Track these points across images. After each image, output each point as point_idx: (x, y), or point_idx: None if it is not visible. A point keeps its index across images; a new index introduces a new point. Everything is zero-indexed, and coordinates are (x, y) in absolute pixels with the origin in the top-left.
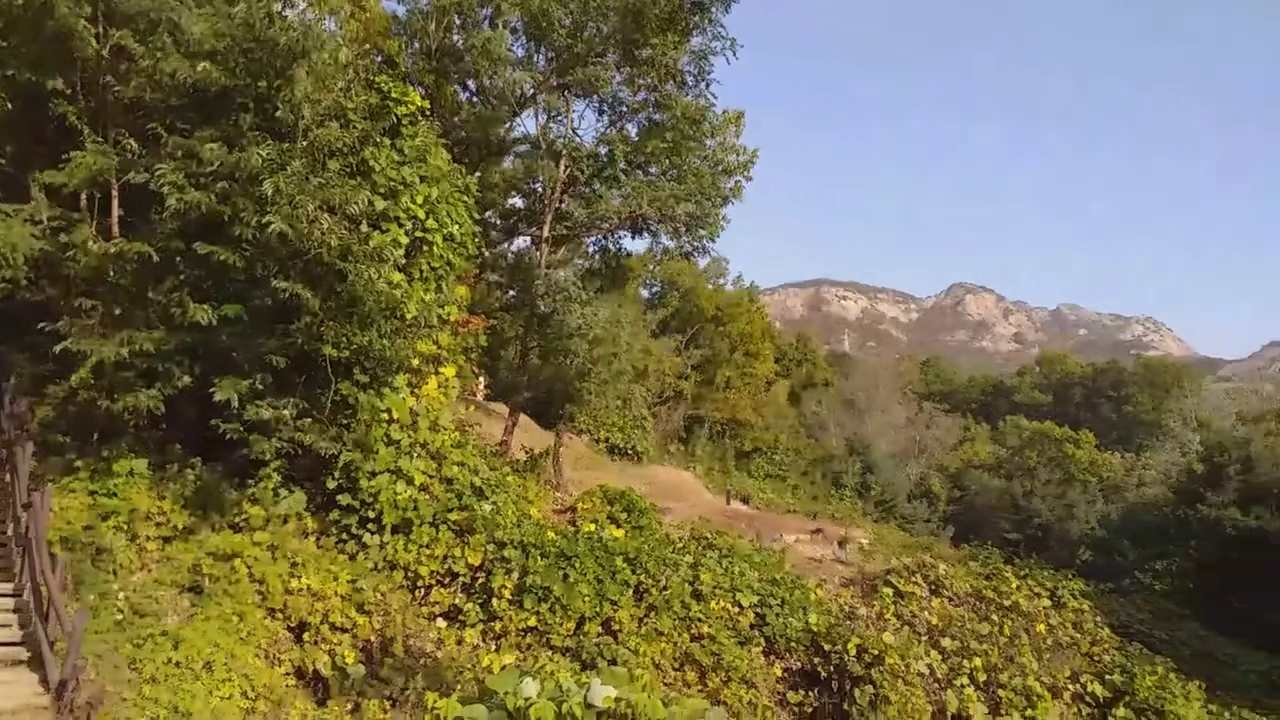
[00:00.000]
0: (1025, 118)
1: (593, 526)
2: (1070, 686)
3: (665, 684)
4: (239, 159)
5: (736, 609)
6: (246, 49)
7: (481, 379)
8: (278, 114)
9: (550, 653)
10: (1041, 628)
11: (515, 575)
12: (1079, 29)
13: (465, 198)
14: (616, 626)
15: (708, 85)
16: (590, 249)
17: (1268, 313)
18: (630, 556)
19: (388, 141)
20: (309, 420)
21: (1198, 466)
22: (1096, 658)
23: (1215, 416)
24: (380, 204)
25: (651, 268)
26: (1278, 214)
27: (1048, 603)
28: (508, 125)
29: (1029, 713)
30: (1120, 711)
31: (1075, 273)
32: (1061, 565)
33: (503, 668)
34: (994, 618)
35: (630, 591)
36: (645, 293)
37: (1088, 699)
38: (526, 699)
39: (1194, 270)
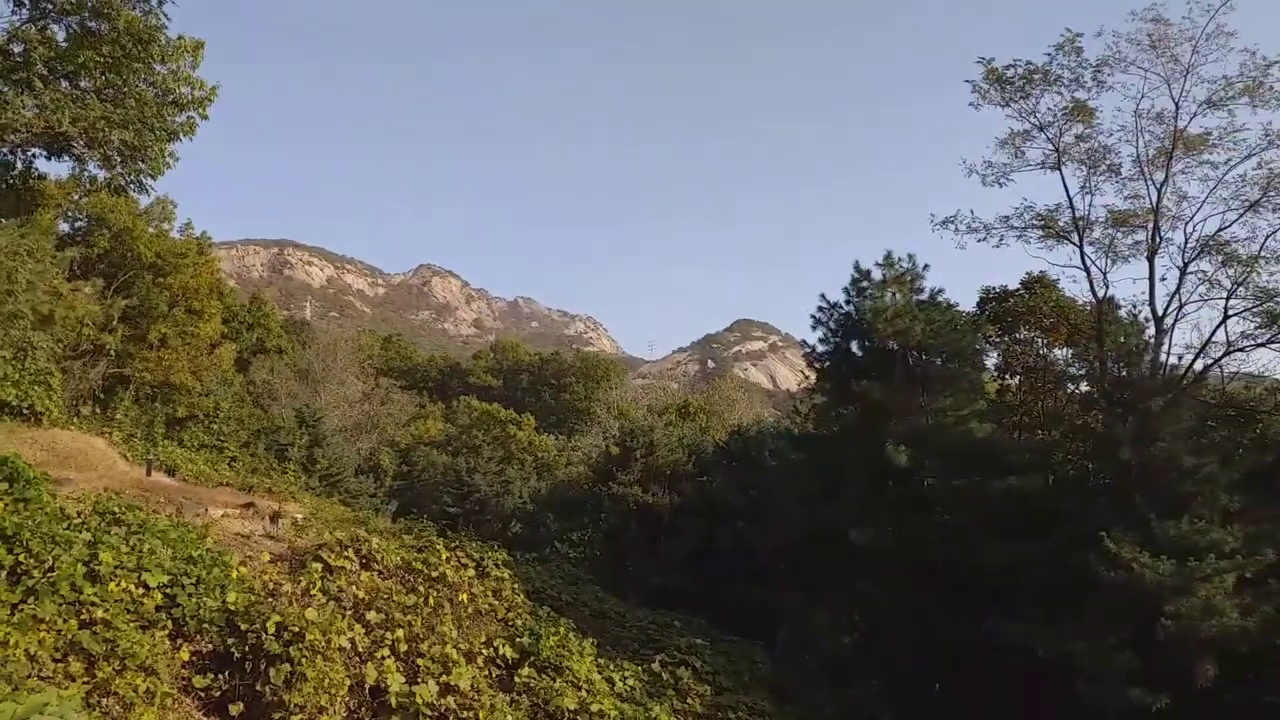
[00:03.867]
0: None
1: None
2: (484, 651)
3: (42, 678)
4: None
5: (142, 590)
6: None
7: None
8: None
9: None
10: (464, 597)
11: None
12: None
13: None
14: None
15: (161, 3)
16: None
17: (679, 322)
18: (8, 534)
19: None
20: None
21: (614, 449)
22: (511, 622)
23: (633, 407)
24: None
25: (76, 198)
26: (685, 238)
27: (473, 573)
28: None
29: (444, 678)
30: (525, 670)
31: (532, 268)
32: (494, 537)
33: None
34: (421, 589)
35: (3, 574)
36: (65, 226)
37: (499, 661)
38: None
39: (627, 278)
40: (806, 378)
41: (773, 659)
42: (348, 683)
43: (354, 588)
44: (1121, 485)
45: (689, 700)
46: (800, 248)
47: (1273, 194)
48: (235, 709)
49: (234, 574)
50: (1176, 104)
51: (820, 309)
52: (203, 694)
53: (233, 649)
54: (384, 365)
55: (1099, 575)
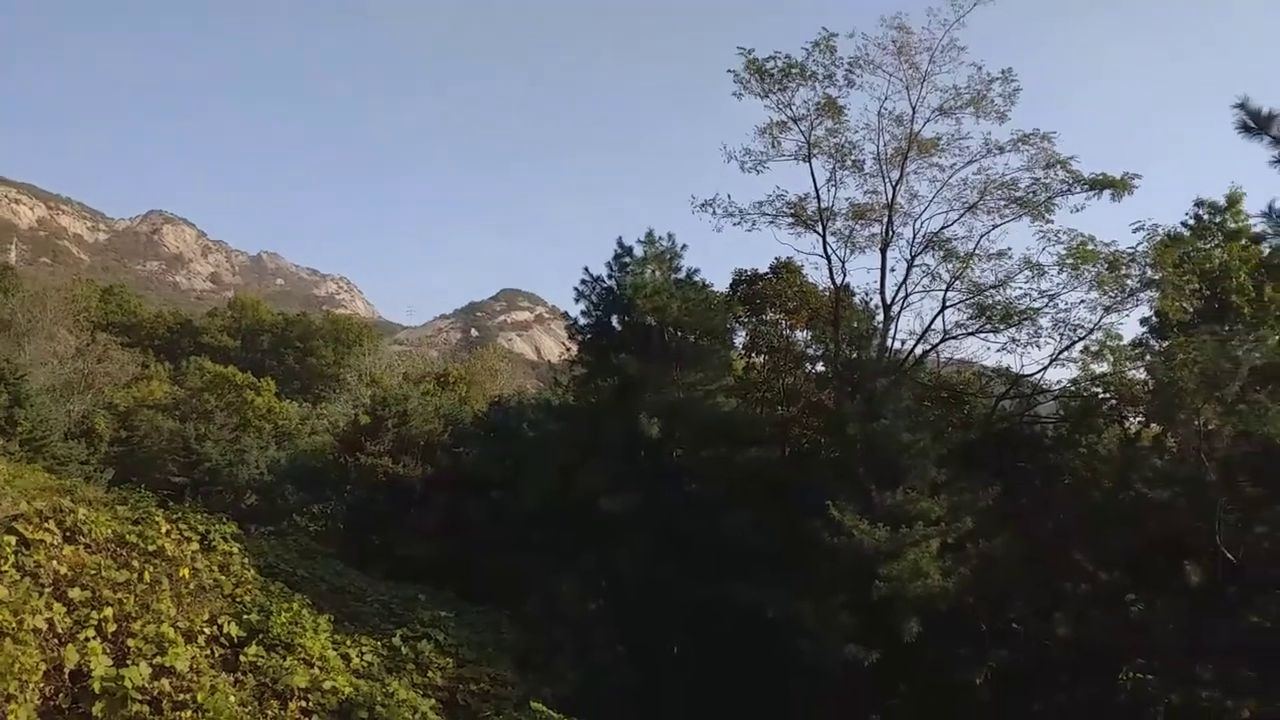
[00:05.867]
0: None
1: None
2: (207, 629)
3: None
4: None
5: None
6: None
7: None
8: None
9: None
10: (185, 572)
11: None
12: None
13: None
14: None
15: None
16: None
17: (442, 289)
18: None
19: None
20: None
21: (364, 419)
22: (239, 599)
23: (388, 375)
24: None
25: None
26: (450, 196)
27: (197, 547)
28: None
29: (159, 659)
30: (253, 648)
31: (279, 221)
32: (226, 509)
33: None
34: (135, 564)
35: None
36: None
37: (223, 640)
38: None
39: (386, 241)
40: (569, 349)
41: (521, 628)
42: (43, 667)
43: (55, 563)
44: (847, 458)
45: (430, 674)
46: (568, 219)
47: (988, 198)
48: None
49: None
50: (914, 108)
51: (584, 282)
52: None
53: None
54: (103, 319)
55: (824, 541)
